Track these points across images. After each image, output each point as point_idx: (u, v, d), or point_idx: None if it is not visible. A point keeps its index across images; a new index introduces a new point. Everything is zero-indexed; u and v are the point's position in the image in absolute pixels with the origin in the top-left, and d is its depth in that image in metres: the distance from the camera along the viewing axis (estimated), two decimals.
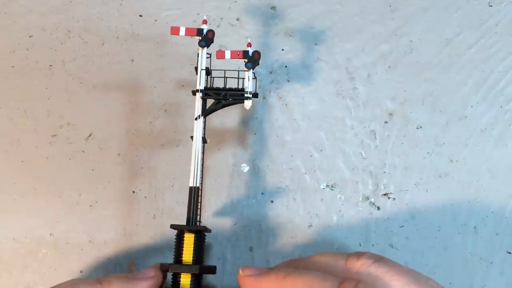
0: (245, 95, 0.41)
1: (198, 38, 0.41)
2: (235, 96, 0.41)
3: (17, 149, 0.47)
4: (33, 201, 0.46)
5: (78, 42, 0.51)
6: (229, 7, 0.53)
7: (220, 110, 0.47)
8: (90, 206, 0.46)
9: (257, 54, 0.42)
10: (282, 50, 0.51)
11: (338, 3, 0.53)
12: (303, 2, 0.53)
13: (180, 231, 0.38)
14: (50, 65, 0.50)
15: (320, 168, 0.47)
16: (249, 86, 0.41)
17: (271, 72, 0.50)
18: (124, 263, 0.44)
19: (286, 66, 0.50)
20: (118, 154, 0.47)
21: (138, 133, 0.48)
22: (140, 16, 0.52)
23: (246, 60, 0.41)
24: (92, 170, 0.47)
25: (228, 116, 0.48)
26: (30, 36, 0.51)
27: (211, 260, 0.44)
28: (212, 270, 0.38)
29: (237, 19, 0.52)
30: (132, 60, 0.50)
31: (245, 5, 0.53)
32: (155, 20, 0.52)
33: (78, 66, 0.50)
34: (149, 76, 0.50)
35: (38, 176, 0.46)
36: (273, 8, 0.53)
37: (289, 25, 0.52)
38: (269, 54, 0.51)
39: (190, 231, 0.38)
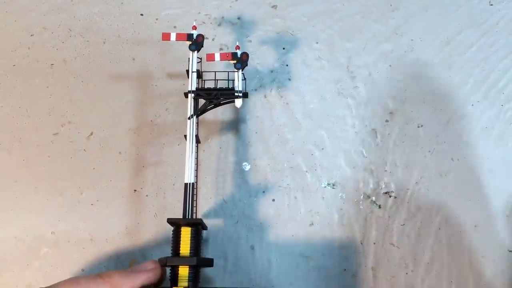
0: (235, 94, 0.43)
1: (189, 42, 0.43)
2: (226, 95, 0.43)
3: (19, 147, 0.47)
4: (34, 199, 0.46)
5: (79, 41, 0.51)
6: (230, 6, 0.53)
7: (222, 110, 0.48)
8: (92, 204, 0.46)
9: (245, 55, 0.43)
10: (283, 49, 0.51)
11: (339, 2, 0.53)
12: (304, 1, 0.53)
13: (177, 225, 0.39)
14: (52, 64, 0.50)
15: (321, 166, 0.47)
16: (239, 85, 0.43)
17: (272, 71, 0.50)
18: (126, 261, 0.44)
19: (287, 65, 0.50)
20: (120, 153, 0.47)
21: (139, 132, 0.48)
22: (141, 15, 0.52)
23: (235, 62, 0.43)
24: (94, 168, 0.47)
25: (230, 116, 0.49)
26: (31, 35, 0.51)
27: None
28: (209, 262, 0.39)
29: (238, 18, 0.52)
30: (133, 59, 0.50)
31: (246, 4, 0.53)
32: (156, 19, 0.52)
33: (79, 65, 0.50)
34: (150, 75, 0.50)
35: (39, 175, 0.46)
36: (274, 7, 0.53)
37: (290, 24, 0.52)
38: (270, 53, 0.51)
39: (187, 225, 0.38)
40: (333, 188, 0.47)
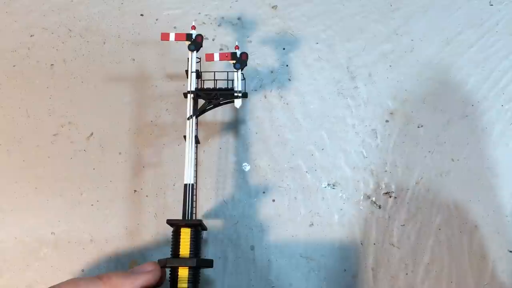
0: (235, 94, 0.43)
1: (188, 42, 0.43)
2: (225, 95, 0.43)
3: (19, 148, 0.47)
4: (34, 200, 0.46)
5: (79, 42, 0.51)
6: (230, 6, 0.53)
7: (221, 110, 0.48)
8: (92, 205, 0.46)
9: (245, 55, 0.43)
10: (283, 49, 0.51)
11: (339, 2, 0.53)
12: (304, 1, 0.53)
13: (177, 226, 0.39)
14: (52, 65, 0.50)
15: (321, 167, 0.47)
16: (238, 86, 0.43)
17: (272, 71, 0.50)
18: (126, 262, 0.44)
19: (287, 65, 0.50)
20: (120, 153, 0.47)
21: (139, 132, 0.48)
22: (141, 15, 0.52)
23: (234, 62, 0.43)
24: (94, 169, 0.47)
25: (229, 116, 0.49)
26: (31, 36, 0.51)
27: (212, 258, 0.44)
28: (209, 263, 0.39)
29: (238, 18, 0.52)
30: (133, 59, 0.50)
31: (246, 4, 0.53)
32: (156, 19, 0.52)
33: (79, 66, 0.50)
34: (150, 75, 0.50)
35: (39, 175, 0.46)
36: (274, 7, 0.53)
37: (290, 24, 0.52)
38: (270, 53, 0.51)
39: (186, 226, 0.38)
40: (333, 188, 0.47)
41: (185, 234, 0.38)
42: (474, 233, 0.45)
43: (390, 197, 0.46)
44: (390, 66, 0.50)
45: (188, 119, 0.42)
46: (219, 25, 0.52)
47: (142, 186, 0.46)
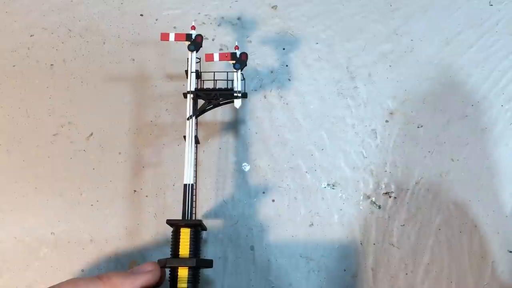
0: (234, 94, 0.43)
1: (188, 42, 0.43)
2: (225, 96, 0.43)
3: (19, 148, 0.47)
4: (34, 200, 0.46)
5: (79, 42, 0.51)
6: (230, 6, 0.53)
7: (221, 110, 0.48)
8: (91, 205, 0.46)
9: (244, 55, 0.43)
10: (283, 49, 0.51)
11: (339, 2, 0.53)
12: (304, 1, 0.53)
13: (177, 226, 0.39)
14: (51, 64, 0.50)
15: (321, 167, 0.47)
16: (238, 86, 0.43)
17: (272, 71, 0.50)
18: (125, 262, 0.44)
19: (287, 65, 0.50)
20: (119, 153, 0.47)
21: (139, 132, 0.48)
22: (141, 15, 0.52)
23: (234, 62, 0.43)
24: (93, 169, 0.47)
25: (229, 116, 0.49)
26: (31, 36, 0.51)
27: (212, 258, 0.44)
28: (208, 263, 0.39)
29: (238, 19, 0.52)
30: (133, 59, 0.50)
31: (246, 4, 0.53)
32: (156, 20, 0.52)
33: (79, 66, 0.50)
34: (150, 75, 0.50)
35: (39, 175, 0.46)
36: (274, 7, 0.53)
37: (290, 24, 0.52)
38: (270, 53, 0.51)
39: (186, 226, 0.38)
40: (333, 188, 0.47)
41: (185, 234, 0.38)
42: (474, 233, 0.45)
43: (390, 197, 0.46)
44: (390, 66, 0.51)
45: (188, 119, 0.42)
46: (219, 25, 0.52)
47: (142, 186, 0.46)
